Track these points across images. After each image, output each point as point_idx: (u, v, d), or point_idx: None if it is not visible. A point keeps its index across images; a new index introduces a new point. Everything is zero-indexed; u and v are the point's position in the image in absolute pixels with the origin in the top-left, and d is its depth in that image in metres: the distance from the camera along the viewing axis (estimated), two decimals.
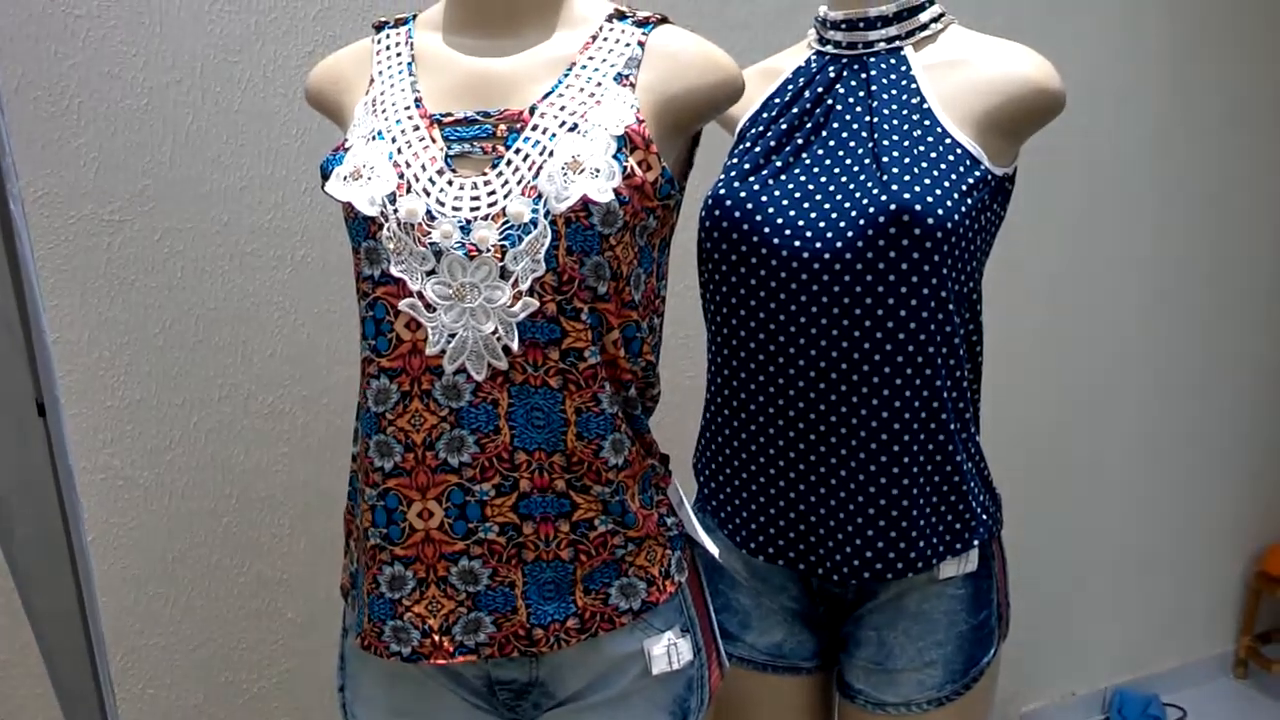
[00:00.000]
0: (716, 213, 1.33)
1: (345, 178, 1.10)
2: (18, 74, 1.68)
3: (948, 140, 1.29)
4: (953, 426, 1.30)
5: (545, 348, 1.08)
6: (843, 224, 1.26)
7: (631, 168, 1.08)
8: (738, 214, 1.31)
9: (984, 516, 1.34)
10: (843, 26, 1.38)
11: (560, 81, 1.12)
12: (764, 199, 1.31)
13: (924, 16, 1.37)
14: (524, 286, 1.06)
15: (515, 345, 1.07)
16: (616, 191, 1.06)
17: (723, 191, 1.33)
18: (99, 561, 1.82)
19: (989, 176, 1.30)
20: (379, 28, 1.24)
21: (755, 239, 1.30)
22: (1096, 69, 2.56)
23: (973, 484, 1.33)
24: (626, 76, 1.13)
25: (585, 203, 1.05)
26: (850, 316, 1.26)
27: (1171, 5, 2.65)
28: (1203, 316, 2.92)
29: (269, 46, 1.82)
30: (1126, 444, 2.89)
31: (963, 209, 1.26)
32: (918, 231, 1.23)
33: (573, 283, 1.07)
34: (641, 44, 1.15)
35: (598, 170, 1.06)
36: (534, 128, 1.09)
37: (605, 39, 1.15)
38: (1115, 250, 2.73)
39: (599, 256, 1.07)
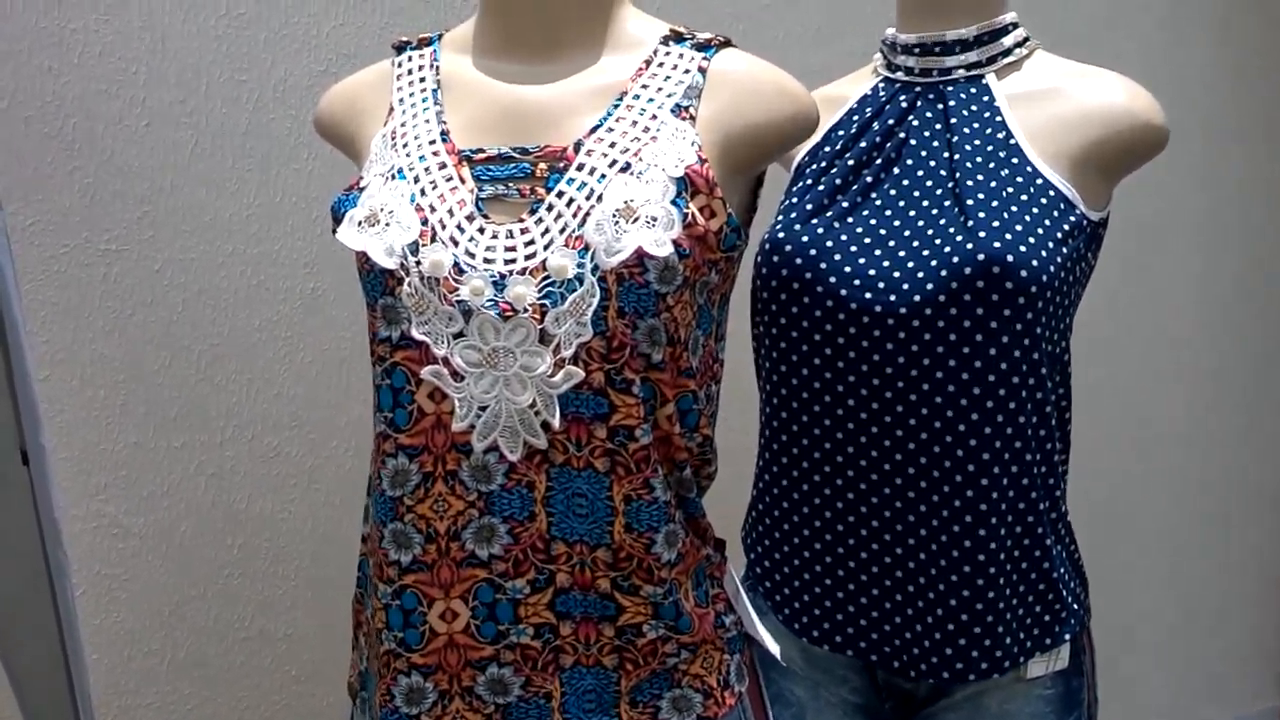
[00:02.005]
0: (775, 259, 1.14)
1: (360, 223, 0.91)
2: (7, 92, 1.50)
3: (1039, 181, 1.10)
4: (1042, 506, 1.11)
5: (590, 424, 0.89)
6: (921, 275, 1.08)
7: (693, 215, 0.89)
8: (799, 261, 1.12)
9: (1075, 606, 1.15)
10: (916, 51, 1.19)
11: (610, 113, 0.93)
12: (829, 244, 1.12)
13: (1008, 40, 1.18)
14: (567, 353, 0.88)
15: (556, 421, 0.88)
16: (676, 243, 0.88)
17: (782, 235, 1.14)
18: (89, 616, 1.63)
19: (1084, 222, 1.11)
20: (399, 48, 1.05)
21: (819, 289, 1.11)
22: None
23: (1063, 570, 1.14)
24: (686, 108, 0.94)
25: (640, 257, 0.87)
26: (930, 381, 1.07)
27: (1218, 21, 2.47)
28: (1252, 353, 2.72)
29: (279, 65, 1.64)
30: (1170, 494, 2.70)
31: (1058, 260, 1.07)
32: (1009, 286, 1.04)
33: (624, 350, 0.88)
34: (703, 70, 0.96)
35: (654, 219, 0.87)
36: (579, 167, 0.91)
37: (661, 64, 0.97)
38: (1157, 282, 2.54)
39: (654, 319, 0.89)
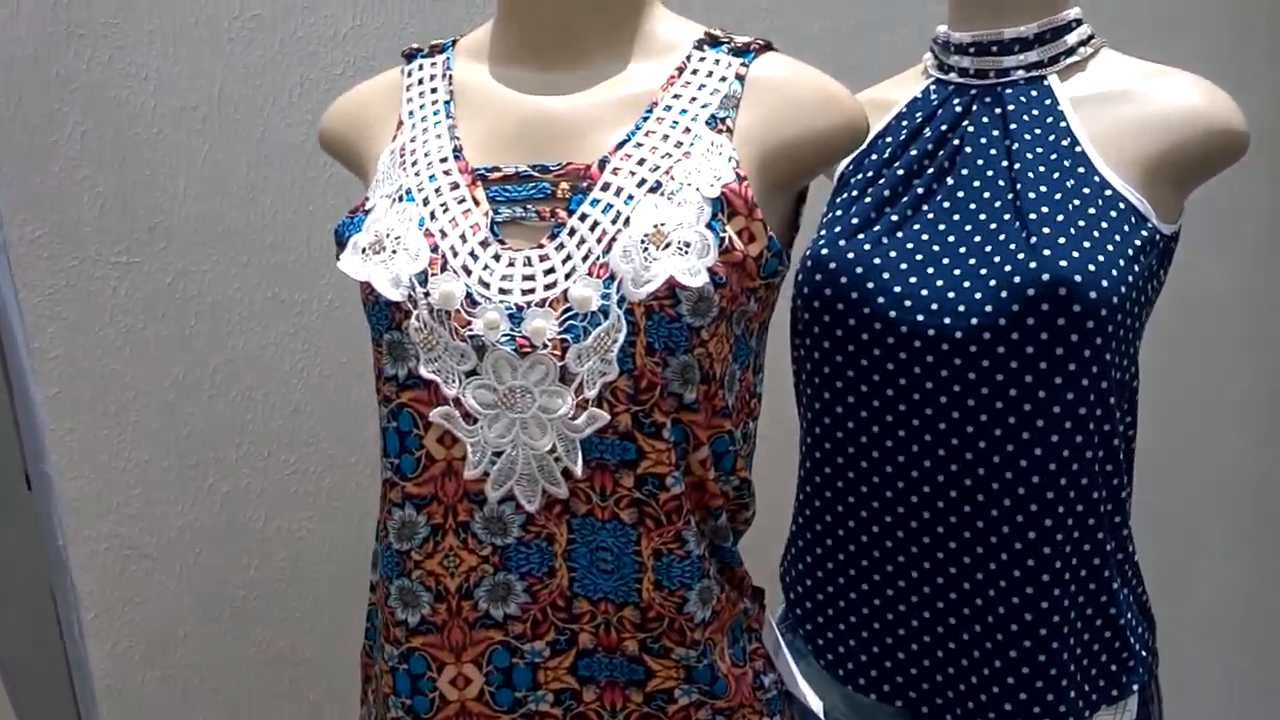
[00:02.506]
0: (818, 277, 1.03)
1: (364, 250, 0.82)
2: (14, 99, 1.41)
3: (1108, 192, 0.99)
4: (1109, 547, 1.00)
5: (616, 472, 0.79)
6: (979, 295, 0.97)
7: (730, 239, 0.79)
8: (844, 279, 1.02)
9: (1143, 653, 1.04)
10: (971, 50, 1.08)
11: (638, 127, 0.83)
12: (877, 261, 1.02)
13: (1071, 38, 1.07)
14: (590, 394, 0.78)
15: (578, 468, 0.79)
16: (711, 271, 0.78)
17: (825, 251, 1.04)
18: (101, 641, 1.55)
19: (1157, 237, 1.00)
20: (410, 56, 0.95)
21: (867, 311, 1.01)
22: None
23: (1130, 615, 1.03)
24: (723, 120, 0.84)
25: (671, 287, 0.77)
26: (988, 412, 0.97)
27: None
28: None
29: (295, 69, 1.55)
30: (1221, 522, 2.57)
31: (1129, 279, 0.96)
32: (1077, 309, 0.94)
33: (653, 390, 0.78)
34: (741, 77, 0.86)
35: (687, 245, 0.77)
36: (605, 187, 0.81)
37: (695, 71, 0.86)
38: (1210, 300, 2.41)
39: (687, 355, 0.79)
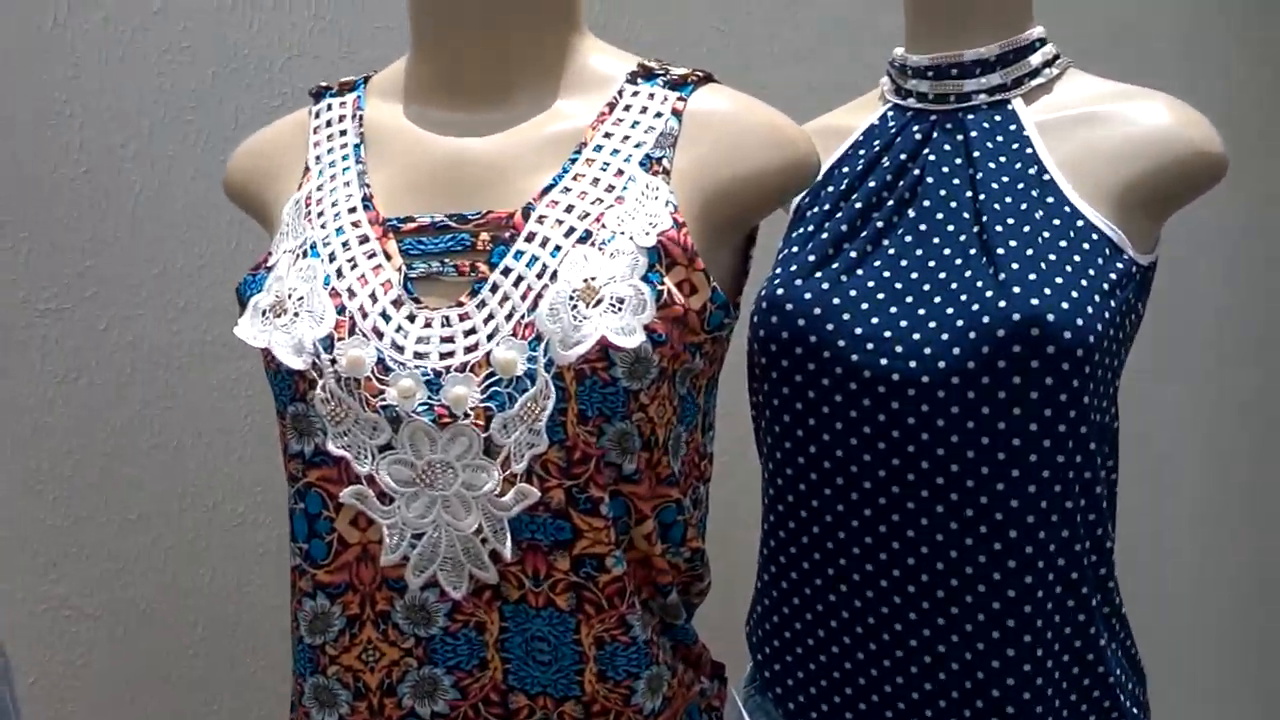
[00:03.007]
0: (774, 319, 0.95)
1: (265, 312, 0.73)
2: None
3: (1080, 223, 0.91)
4: (1094, 602, 0.92)
5: (550, 553, 0.70)
6: (945, 337, 0.89)
7: (669, 293, 0.71)
8: (802, 321, 0.93)
9: (1133, 710, 0.95)
10: (929, 74, 1.00)
11: (566, 169, 0.75)
12: (836, 301, 0.94)
13: (1035, 59, 0.99)
14: (518, 468, 0.69)
15: (507, 550, 0.70)
16: (649, 329, 0.69)
17: (781, 291, 0.95)
18: (43, 707, 1.46)
19: (1134, 268, 0.92)
20: (318, 95, 0.87)
21: (827, 354, 0.92)
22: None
23: (1118, 672, 0.95)
24: (659, 160, 0.75)
25: (604, 348, 0.68)
26: (960, 461, 0.88)
27: (1236, 32, 2.27)
28: None
29: (230, 101, 1.46)
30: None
31: (1105, 315, 0.88)
32: (1051, 350, 0.85)
33: (587, 462, 0.69)
34: (678, 113, 0.77)
35: (621, 300, 0.69)
36: (530, 238, 0.72)
37: (628, 107, 0.78)
38: (1181, 315, 2.34)
39: (624, 422, 0.70)
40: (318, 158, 0.81)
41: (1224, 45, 2.29)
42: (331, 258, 0.74)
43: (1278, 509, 2.59)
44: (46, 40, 1.36)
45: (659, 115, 0.77)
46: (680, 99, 0.78)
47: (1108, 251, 0.91)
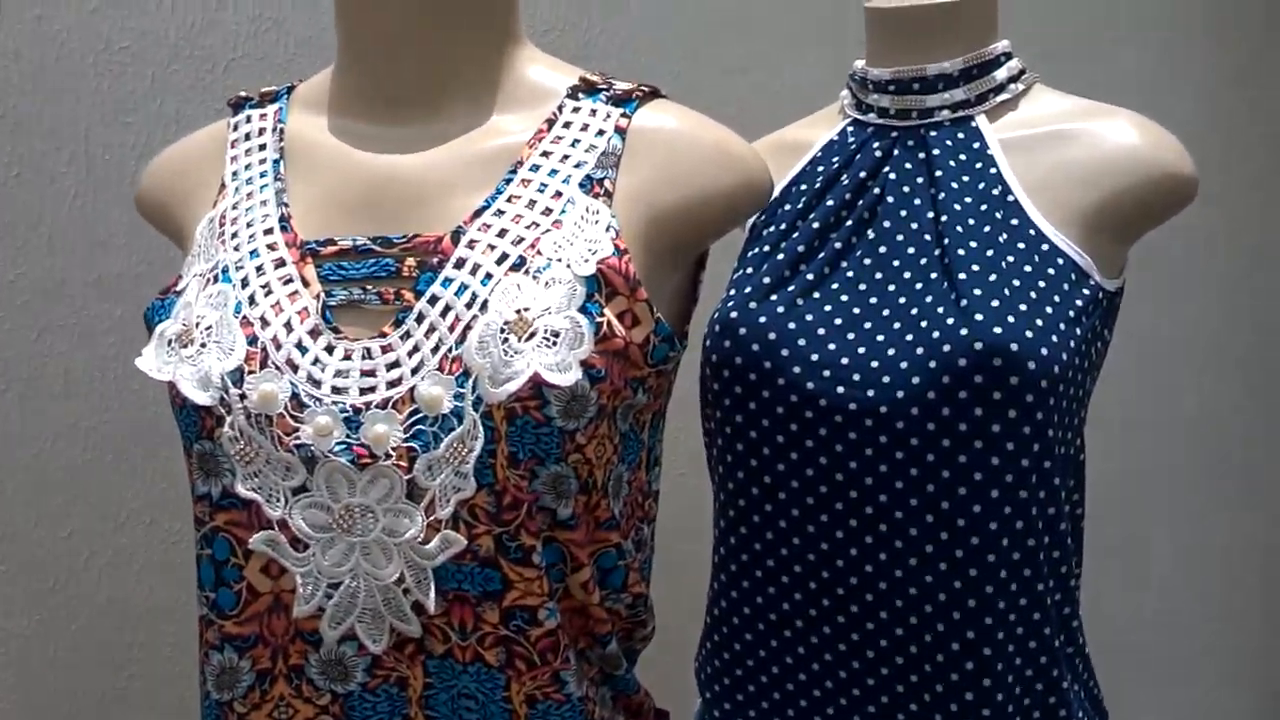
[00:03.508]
0: (727, 344, 0.89)
1: (170, 341, 0.66)
2: None
3: (1045, 247, 0.86)
4: (1057, 643, 0.87)
5: (478, 605, 0.64)
6: (904, 365, 0.84)
7: (609, 324, 0.65)
8: (756, 346, 0.88)
9: None
10: (891, 88, 0.95)
11: (500, 190, 0.69)
12: (792, 326, 0.88)
13: (1000, 74, 0.94)
14: (443, 513, 0.63)
15: (431, 602, 0.64)
16: (586, 365, 0.63)
17: (735, 315, 0.90)
18: None
19: (1100, 295, 0.87)
20: (237, 105, 0.80)
21: (781, 382, 0.87)
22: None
23: (1080, 715, 0.90)
24: (600, 181, 0.69)
25: (537, 386, 0.62)
26: (919, 496, 0.83)
27: (1215, 36, 2.23)
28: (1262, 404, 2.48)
29: (170, 103, 1.38)
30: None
31: (1071, 344, 0.83)
32: (1014, 380, 0.80)
33: (519, 507, 0.63)
34: (621, 130, 0.71)
35: (556, 334, 0.63)
36: (459, 264, 0.66)
37: (569, 124, 0.72)
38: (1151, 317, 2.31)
39: (559, 465, 0.64)
40: (234, 173, 0.74)
41: (1194, 57, 2.26)
42: (244, 283, 0.67)
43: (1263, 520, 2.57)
44: None
45: (601, 133, 0.71)
46: (624, 116, 0.72)
47: (1074, 277, 0.86)
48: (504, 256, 0.66)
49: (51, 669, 1.44)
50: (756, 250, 0.95)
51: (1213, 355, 2.41)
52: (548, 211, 0.67)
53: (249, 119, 0.77)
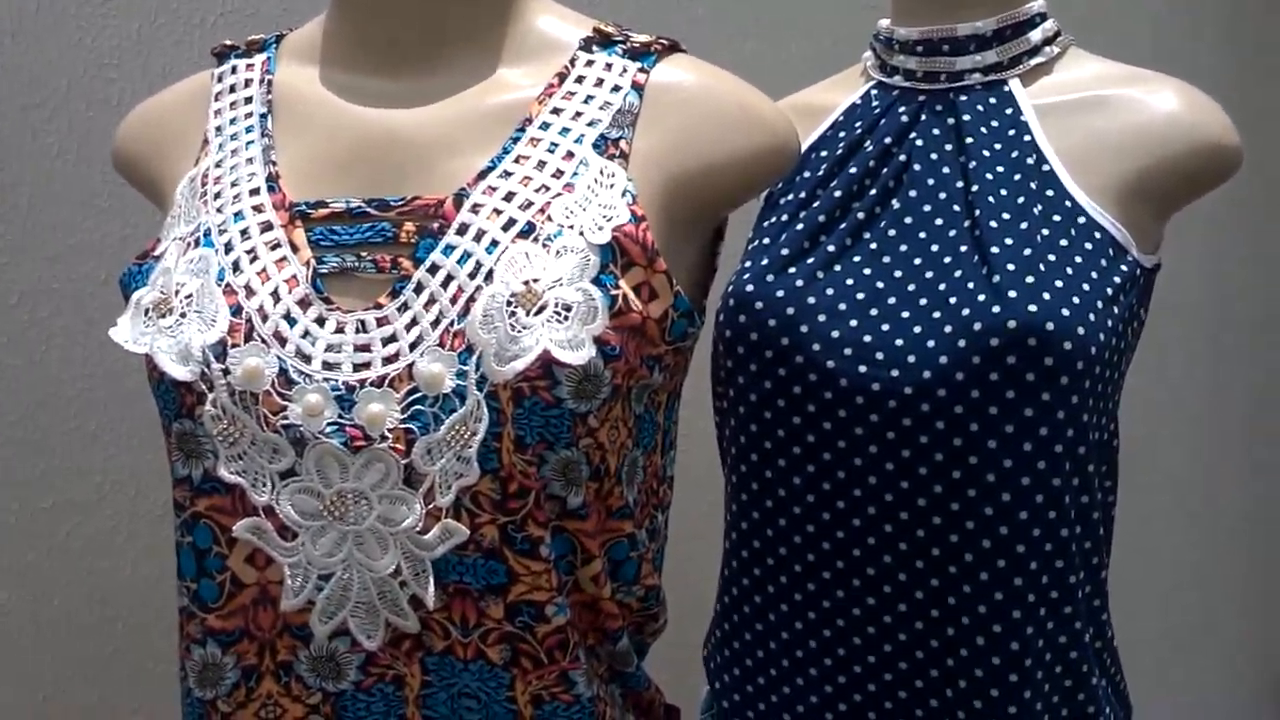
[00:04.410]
0: (742, 318, 0.84)
1: (147, 310, 0.61)
2: None
3: (1082, 219, 0.81)
4: (1086, 637, 0.83)
5: (481, 599, 0.59)
6: (931, 344, 0.78)
7: (625, 298, 0.59)
8: (773, 322, 0.82)
9: None
10: (919, 50, 0.89)
11: (507, 150, 0.63)
12: (811, 300, 0.83)
13: (1035, 36, 0.88)
14: (444, 500, 0.58)
15: (430, 595, 0.59)
16: (600, 341, 0.58)
17: (751, 288, 0.84)
18: None
19: (1138, 271, 0.82)
20: (221, 55, 0.74)
21: (799, 360, 0.82)
22: None
23: (1108, 709, 0.86)
24: (616, 141, 0.63)
25: (547, 364, 0.57)
26: (945, 483, 0.78)
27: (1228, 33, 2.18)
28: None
29: (156, 58, 1.32)
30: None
31: (1108, 323, 0.78)
32: (1049, 362, 0.75)
33: (526, 496, 0.58)
34: (639, 86, 0.65)
35: (567, 308, 0.57)
36: (462, 230, 0.60)
37: (581, 78, 0.66)
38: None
39: (570, 450, 0.59)
40: (218, 129, 0.68)
41: (1195, 43, 2.21)
42: (228, 248, 0.61)
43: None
44: None
45: (616, 89, 0.65)
46: (642, 70, 0.66)
47: (1111, 252, 0.81)
48: (511, 222, 0.60)
49: (34, 645, 1.39)
50: (774, 219, 0.89)
51: (1212, 348, 2.38)
52: (559, 174, 0.62)
53: (234, 69, 0.71)
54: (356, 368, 0.59)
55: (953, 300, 0.79)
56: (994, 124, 0.85)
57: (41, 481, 1.36)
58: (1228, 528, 2.54)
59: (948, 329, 0.78)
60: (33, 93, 1.28)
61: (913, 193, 0.85)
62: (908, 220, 0.84)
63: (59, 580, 1.39)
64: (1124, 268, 0.81)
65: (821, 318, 0.82)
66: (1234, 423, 2.51)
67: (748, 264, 0.87)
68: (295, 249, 0.61)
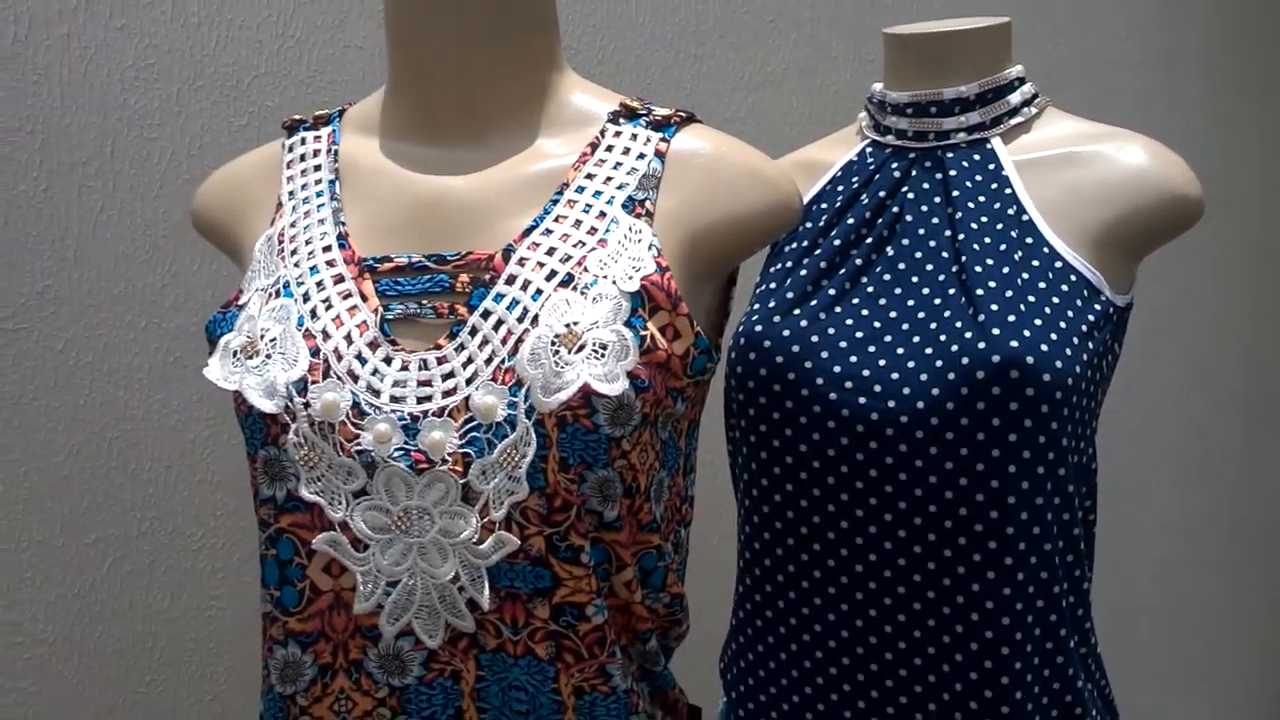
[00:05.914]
0: (751, 356, 0.94)
1: (236, 353, 0.71)
2: None
3: (1058, 264, 0.91)
4: (1071, 644, 0.92)
5: (529, 602, 0.69)
6: (924, 377, 0.88)
7: (652, 338, 0.69)
8: (780, 359, 0.93)
9: None
10: (909, 111, 1.00)
11: (548, 211, 0.73)
12: (814, 339, 0.93)
13: (1014, 98, 0.99)
14: (497, 515, 0.67)
15: (485, 599, 0.68)
16: (632, 375, 0.68)
17: (759, 328, 0.94)
18: None
19: (1111, 310, 0.92)
20: (291, 128, 0.85)
21: (805, 393, 0.91)
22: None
23: (1094, 712, 0.94)
24: (642, 202, 0.74)
25: (587, 395, 0.67)
26: (937, 502, 0.88)
27: (1209, 58, 2.30)
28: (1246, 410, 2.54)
29: (194, 120, 1.42)
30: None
31: (1084, 357, 0.88)
32: (1030, 392, 0.85)
33: (569, 509, 0.68)
34: (661, 154, 0.76)
35: (604, 346, 0.67)
36: (510, 280, 0.71)
37: (611, 148, 0.76)
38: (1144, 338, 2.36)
39: (606, 470, 0.69)
40: (291, 193, 0.78)
41: (1191, 82, 2.32)
42: (306, 297, 0.72)
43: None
44: (7, 56, 1.32)
45: (642, 156, 0.76)
46: (663, 140, 0.77)
47: (1086, 293, 0.91)
48: (553, 273, 0.70)
49: (76, 675, 1.46)
50: (779, 266, 0.99)
51: (1210, 361, 2.46)
52: (593, 231, 0.72)
53: (303, 140, 0.82)
54: (420, 400, 0.69)
55: (942, 337, 0.89)
56: (978, 178, 0.96)
57: (84, 517, 1.44)
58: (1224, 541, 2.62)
59: (938, 363, 0.88)
60: (79, 151, 1.38)
61: (905, 241, 0.95)
62: (901, 266, 0.94)
63: (101, 613, 1.47)
64: (1098, 307, 0.91)
65: (824, 354, 0.92)
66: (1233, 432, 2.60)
67: (756, 306, 0.97)
68: (365, 298, 0.71)
